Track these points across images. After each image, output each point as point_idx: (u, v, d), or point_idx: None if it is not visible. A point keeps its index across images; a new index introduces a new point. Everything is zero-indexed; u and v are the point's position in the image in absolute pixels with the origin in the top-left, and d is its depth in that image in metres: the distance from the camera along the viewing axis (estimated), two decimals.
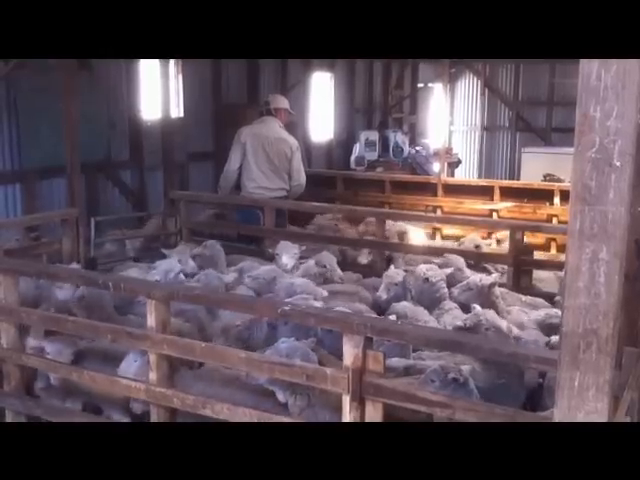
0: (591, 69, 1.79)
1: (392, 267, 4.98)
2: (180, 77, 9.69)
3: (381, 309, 4.63)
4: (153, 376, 3.50)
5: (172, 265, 4.91)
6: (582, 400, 1.90)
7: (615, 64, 1.77)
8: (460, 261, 5.19)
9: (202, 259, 5.41)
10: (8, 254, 5.13)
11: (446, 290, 4.63)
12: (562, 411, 1.94)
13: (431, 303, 4.56)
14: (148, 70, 9.21)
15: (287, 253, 5.36)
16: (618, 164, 1.81)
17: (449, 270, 4.83)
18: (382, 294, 4.74)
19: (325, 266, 5.32)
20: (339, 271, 5.42)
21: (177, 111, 9.72)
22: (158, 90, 9.29)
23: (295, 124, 10.29)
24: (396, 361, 3.57)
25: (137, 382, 3.56)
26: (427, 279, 4.57)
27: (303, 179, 7.18)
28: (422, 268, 4.66)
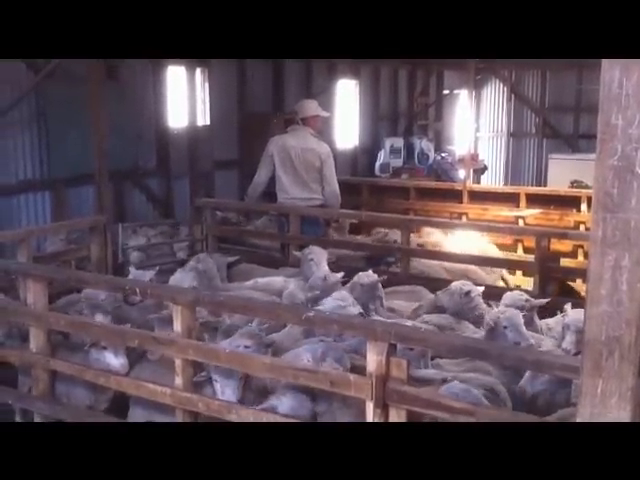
0: (612, 77, 1.79)
1: (370, 271, 4.80)
2: (206, 86, 9.78)
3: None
4: (179, 380, 3.54)
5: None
6: (605, 407, 1.90)
7: (637, 72, 1.77)
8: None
9: (197, 274, 5.02)
10: (37, 260, 5.22)
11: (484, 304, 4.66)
12: (584, 418, 1.93)
13: (472, 318, 4.60)
14: (175, 79, 9.33)
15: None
16: None
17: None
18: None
19: (312, 259, 5.26)
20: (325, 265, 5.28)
21: (203, 119, 9.82)
22: (185, 99, 9.41)
23: (320, 131, 10.29)
24: (433, 373, 3.53)
25: (163, 387, 3.60)
26: (467, 293, 4.60)
27: (336, 188, 6.85)
28: (457, 285, 4.69)
